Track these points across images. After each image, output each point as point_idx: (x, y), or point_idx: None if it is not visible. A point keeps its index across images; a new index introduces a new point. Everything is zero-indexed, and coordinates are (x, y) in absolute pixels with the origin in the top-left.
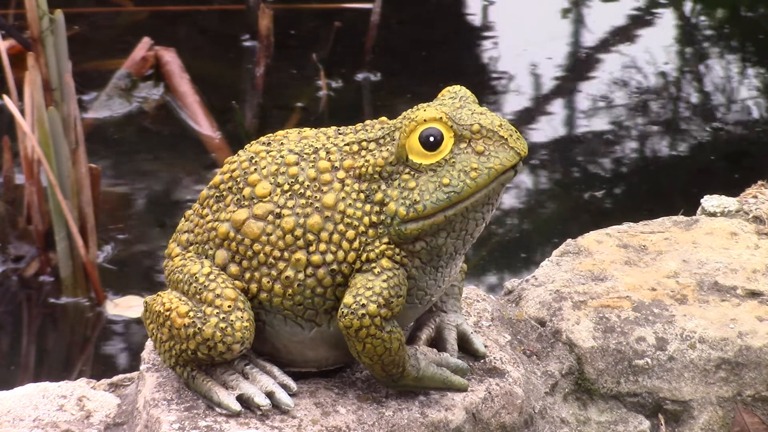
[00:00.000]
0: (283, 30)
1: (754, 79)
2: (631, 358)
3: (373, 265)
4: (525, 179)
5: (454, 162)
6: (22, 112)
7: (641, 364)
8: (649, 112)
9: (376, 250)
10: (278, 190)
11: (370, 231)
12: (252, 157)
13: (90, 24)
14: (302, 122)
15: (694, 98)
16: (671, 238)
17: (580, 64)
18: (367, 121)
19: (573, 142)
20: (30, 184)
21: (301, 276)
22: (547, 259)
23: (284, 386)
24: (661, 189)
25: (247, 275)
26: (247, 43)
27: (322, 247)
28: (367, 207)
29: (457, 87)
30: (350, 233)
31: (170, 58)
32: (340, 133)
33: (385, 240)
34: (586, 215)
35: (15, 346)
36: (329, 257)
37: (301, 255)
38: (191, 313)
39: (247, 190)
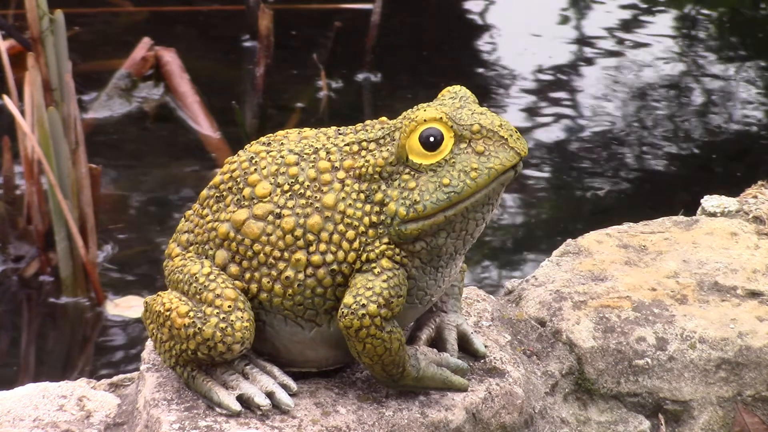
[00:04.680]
0: (283, 30)
1: (754, 79)
2: (631, 358)
3: (373, 265)
4: (525, 179)
5: (454, 162)
6: (22, 112)
7: (641, 364)
8: (649, 111)
9: (376, 251)
10: (278, 190)
11: (370, 231)
12: (252, 158)
13: (90, 24)
14: (302, 122)
15: (694, 98)
16: (671, 238)
17: (579, 64)
18: (367, 121)
19: (573, 142)
20: (30, 184)
21: (301, 276)
22: (547, 259)
23: (284, 386)
24: (661, 189)
25: (247, 275)
26: (247, 44)
27: (322, 247)
28: (367, 207)
29: (457, 87)
30: (350, 233)
31: (170, 58)
32: (340, 134)
33: (385, 240)
34: (586, 215)
35: (15, 346)
36: (329, 257)
37: (301, 255)
38: (191, 313)
39: (247, 191)
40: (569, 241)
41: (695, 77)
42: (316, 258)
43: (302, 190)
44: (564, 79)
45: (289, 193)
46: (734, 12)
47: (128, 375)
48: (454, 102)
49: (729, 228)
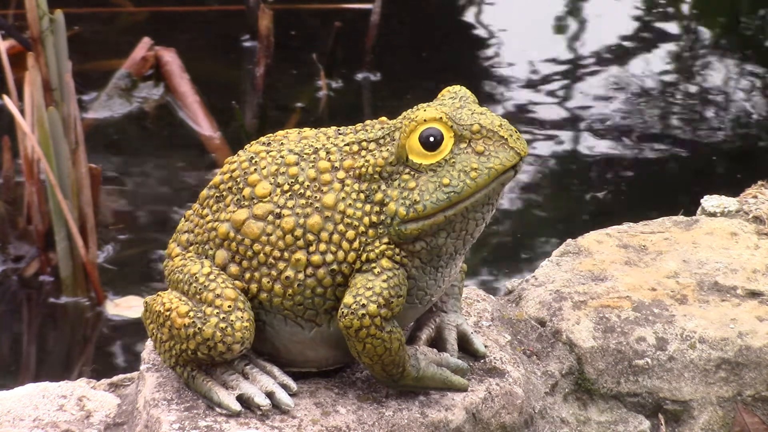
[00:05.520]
0: (283, 30)
1: (754, 79)
2: (631, 358)
3: (373, 265)
4: (525, 179)
5: (454, 162)
6: (22, 112)
7: (641, 364)
8: (648, 112)
9: (376, 250)
10: (278, 190)
11: (370, 231)
12: (252, 157)
13: (90, 24)
14: (302, 122)
15: (694, 98)
16: (671, 238)
17: (579, 64)
18: (367, 121)
19: (573, 142)
20: (30, 184)
21: (301, 276)
22: (547, 259)
23: (284, 386)
24: (661, 189)
25: (247, 275)
26: (247, 43)
27: (322, 247)
28: (367, 207)
29: (457, 87)
30: (350, 233)
31: (170, 58)
32: (340, 134)
33: (385, 240)
34: (586, 215)
35: (15, 346)
36: (329, 257)
37: (301, 255)
38: (191, 313)
39: (247, 191)
40: (569, 241)
41: (695, 77)
42: (316, 258)
43: (302, 190)
44: (564, 79)
45: (289, 193)
46: (733, 15)
47: (128, 375)
48: (454, 102)
49: (729, 228)
